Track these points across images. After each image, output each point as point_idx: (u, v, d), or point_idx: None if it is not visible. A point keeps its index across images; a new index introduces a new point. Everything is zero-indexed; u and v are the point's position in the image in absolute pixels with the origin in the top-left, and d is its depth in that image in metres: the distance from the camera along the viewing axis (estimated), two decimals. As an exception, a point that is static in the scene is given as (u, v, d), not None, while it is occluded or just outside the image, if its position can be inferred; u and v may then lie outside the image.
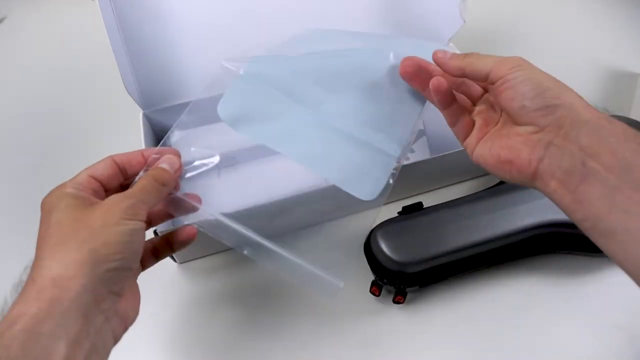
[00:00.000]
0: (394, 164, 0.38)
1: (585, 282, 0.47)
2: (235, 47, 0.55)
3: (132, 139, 0.50)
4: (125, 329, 0.30)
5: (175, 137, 0.54)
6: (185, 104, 0.54)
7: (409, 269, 0.43)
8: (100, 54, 0.62)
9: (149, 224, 0.36)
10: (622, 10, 0.76)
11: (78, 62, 0.71)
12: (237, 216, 0.40)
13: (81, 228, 0.28)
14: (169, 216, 0.37)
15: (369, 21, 0.57)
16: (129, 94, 0.48)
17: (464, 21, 0.55)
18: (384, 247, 0.43)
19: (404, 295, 0.44)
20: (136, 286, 0.32)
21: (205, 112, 0.56)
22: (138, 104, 0.51)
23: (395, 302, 0.44)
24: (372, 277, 0.45)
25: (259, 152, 0.56)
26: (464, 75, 0.34)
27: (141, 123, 0.51)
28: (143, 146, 0.48)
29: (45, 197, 0.31)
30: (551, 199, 0.30)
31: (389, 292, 0.46)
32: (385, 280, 0.44)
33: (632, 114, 0.55)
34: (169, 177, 0.34)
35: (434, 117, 0.48)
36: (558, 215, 0.44)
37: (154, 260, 0.36)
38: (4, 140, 0.62)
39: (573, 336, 0.44)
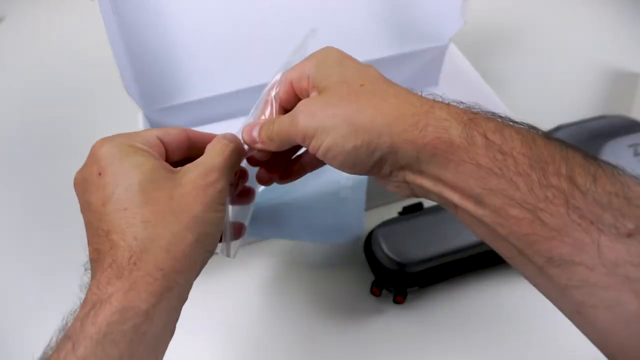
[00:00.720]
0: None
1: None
2: (236, 47, 0.55)
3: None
4: None
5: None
6: (185, 104, 0.54)
7: (409, 269, 0.43)
8: (99, 53, 0.62)
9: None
10: (622, 10, 0.76)
11: (77, 62, 0.71)
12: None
13: (181, 212, 0.24)
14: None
15: (370, 23, 0.56)
16: (128, 93, 0.48)
17: (465, 21, 0.55)
18: (384, 247, 0.43)
19: (404, 295, 0.44)
20: None
21: (205, 112, 0.56)
22: (137, 104, 0.51)
23: (396, 302, 0.44)
24: (372, 277, 0.45)
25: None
26: (287, 146, 0.28)
27: (140, 123, 0.51)
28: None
29: (107, 145, 0.26)
30: None
31: (389, 292, 0.46)
32: (385, 281, 0.44)
33: (632, 114, 0.54)
34: (242, 154, 0.29)
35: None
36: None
37: None
38: (3, 140, 0.62)
39: (573, 336, 0.44)
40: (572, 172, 0.21)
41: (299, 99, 0.29)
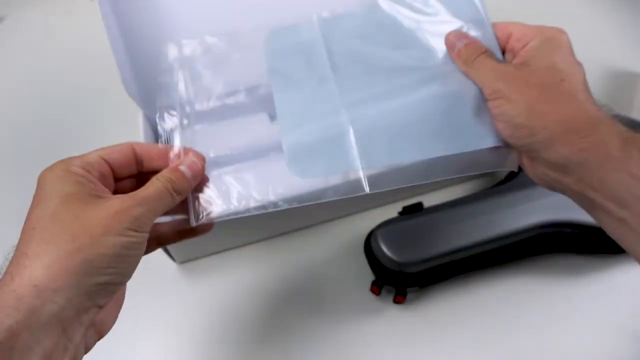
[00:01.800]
0: None
1: (586, 282, 0.47)
2: (238, 44, 0.55)
3: (133, 138, 0.50)
4: (99, 338, 0.28)
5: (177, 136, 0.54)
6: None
7: (409, 269, 0.43)
8: (99, 53, 0.62)
9: (158, 244, 0.33)
10: (622, 10, 0.75)
11: (77, 62, 0.71)
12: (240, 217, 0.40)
13: (80, 232, 0.24)
14: (180, 236, 0.33)
15: None
16: (128, 93, 0.48)
17: None
18: (384, 247, 0.43)
19: (404, 295, 0.44)
20: (121, 294, 0.30)
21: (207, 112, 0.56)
22: (138, 104, 0.51)
23: (396, 302, 0.44)
24: (372, 277, 0.45)
25: (259, 154, 0.56)
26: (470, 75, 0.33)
27: (141, 123, 0.51)
28: (143, 145, 0.48)
29: (46, 171, 0.28)
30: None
31: (389, 292, 0.46)
32: (385, 281, 0.44)
33: (633, 114, 0.54)
34: (187, 186, 0.30)
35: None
36: (558, 215, 0.44)
37: (155, 247, 0.33)
38: (2, 140, 0.62)
39: (573, 336, 0.44)
40: None
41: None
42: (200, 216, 0.32)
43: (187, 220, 0.32)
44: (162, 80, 0.42)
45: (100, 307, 0.26)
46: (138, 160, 0.31)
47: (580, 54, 0.74)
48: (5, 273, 0.24)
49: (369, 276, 0.45)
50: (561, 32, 0.31)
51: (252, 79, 0.55)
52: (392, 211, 0.47)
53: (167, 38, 0.53)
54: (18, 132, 0.63)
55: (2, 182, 0.57)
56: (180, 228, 0.33)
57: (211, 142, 0.47)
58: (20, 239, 0.25)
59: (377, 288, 0.44)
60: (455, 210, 0.45)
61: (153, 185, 0.28)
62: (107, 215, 0.25)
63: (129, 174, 0.31)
